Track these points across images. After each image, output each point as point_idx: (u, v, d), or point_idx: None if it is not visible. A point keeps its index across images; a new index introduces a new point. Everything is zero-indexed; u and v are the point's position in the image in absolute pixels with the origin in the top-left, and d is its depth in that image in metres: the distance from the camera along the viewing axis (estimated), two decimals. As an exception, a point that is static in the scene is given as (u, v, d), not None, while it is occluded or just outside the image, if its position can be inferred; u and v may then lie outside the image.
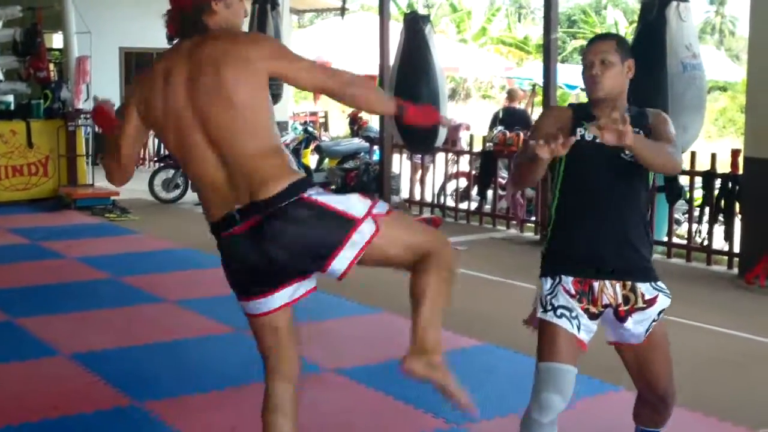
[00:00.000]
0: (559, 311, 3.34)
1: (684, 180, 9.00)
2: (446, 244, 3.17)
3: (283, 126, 12.76)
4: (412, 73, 10.16)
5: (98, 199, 12.01)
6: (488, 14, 34.51)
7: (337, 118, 24.93)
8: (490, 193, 11.22)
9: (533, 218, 10.32)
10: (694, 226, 9.08)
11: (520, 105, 13.95)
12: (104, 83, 18.25)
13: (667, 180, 8.80)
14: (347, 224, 2.98)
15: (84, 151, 12.90)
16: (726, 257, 8.52)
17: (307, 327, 6.30)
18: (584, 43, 35.91)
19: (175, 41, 3.16)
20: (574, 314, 3.33)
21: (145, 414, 4.69)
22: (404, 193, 12.41)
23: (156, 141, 16.39)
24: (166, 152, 14.19)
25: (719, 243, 8.78)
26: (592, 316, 3.37)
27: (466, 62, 22.20)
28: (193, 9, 3.09)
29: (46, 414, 4.66)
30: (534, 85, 19.69)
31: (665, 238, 9.17)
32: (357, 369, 5.42)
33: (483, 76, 30.46)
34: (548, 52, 9.82)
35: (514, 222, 10.53)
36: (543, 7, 9.91)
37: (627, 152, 3.24)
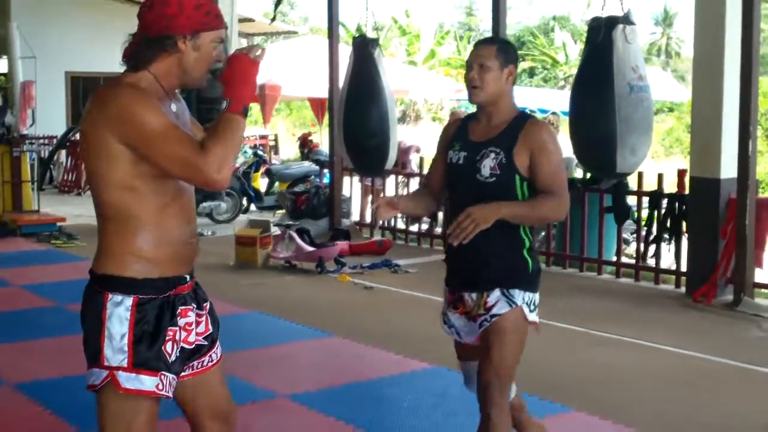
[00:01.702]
0: (444, 320, 3.77)
1: (632, 200, 9.08)
2: None
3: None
4: (361, 95, 10.15)
5: (44, 226, 11.84)
6: (437, 37, 34.73)
7: (288, 141, 24.90)
8: (440, 214, 11.24)
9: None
10: (642, 246, 9.15)
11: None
12: (50, 108, 18.09)
13: (615, 200, 8.87)
14: (94, 358, 2.82)
15: (29, 176, 12.72)
16: (674, 276, 8.59)
17: (260, 352, 6.28)
18: (533, 65, 36.26)
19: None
20: (450, 323, 3.72)
21: (91, 444, 4.60)
22: (355, 216, 12.39)
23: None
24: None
25: (667, 262, 8.86)
26: (470, 318, 3.63)
27: (416, 84, 22.29)
28: (152, 39, 2.77)
29: (-10, 446, 4.55)
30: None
31: (614, 258, 9.24)
32: (310, 394, 5.37)
33: (433, 98, 30.61)
34: (496, 74, 9.85)
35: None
36: (491, 29, 9.96)
37: (483, 173, 3.49)
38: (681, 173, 8.64)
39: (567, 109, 9.11)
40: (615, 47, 7.99)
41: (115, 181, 2.70)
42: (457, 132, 3.67)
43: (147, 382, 2.73)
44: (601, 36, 7.77)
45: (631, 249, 10.06)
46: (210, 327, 2.98)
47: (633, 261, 9.22)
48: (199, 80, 2.86)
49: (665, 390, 5.58)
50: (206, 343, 2.96)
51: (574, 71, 9.91)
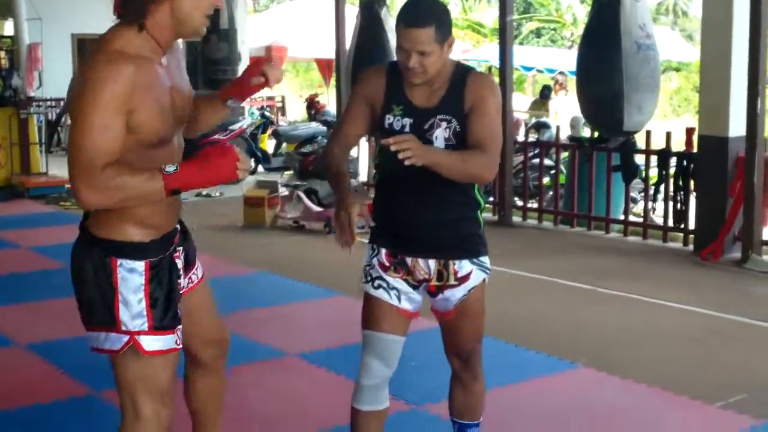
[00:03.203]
0: (376, 282, 3.29)
1: (639, 159, 9.06)
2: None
3: (239, 111, 12.68)
4: (368, 56, 10.12)
5: (52, 188, 11.87)
6: (443, -3, 34.50)
7: (295, 103, 24.84)
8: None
9: (491, 199, 10.35)
10: (650, 204, 9.16)
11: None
12: (57, 70, 18.05)
13: (623, 159, 8.86)
14: (110, 320, 2.79)
15: (37, 139, 12.74)
16: (681, 234, 8.59)
17: (269, 311, 6.32)
18: (540, 26, 35.88)
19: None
20: (391, 285, 3.27)
21: (103, 403, 4.63)
22: (362, 177, 12.39)
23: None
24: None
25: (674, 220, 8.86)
26: (413, 286, 3.30)
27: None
28: None
29: (2, 405, 4.59)
30: (490, 67, 19.74)
31: (622, 217, 9.24)
32: (319, 353, 5.41)
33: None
34: (504, 34, 9.84)
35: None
36: (498, -12, 9.91)
37: (436, 145, 3.14)
38: (689, 131, 8.61)
39: (574, 68, 9.09)
40: (622, 5, 7.96)
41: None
42: (391, 89, 3.22)
43: (168, 341, 2.77)
44: (609, -6, 7.75)
45: (639, 207, 10.05)
46: (182, 253, 2.93)
47: (641, 219, 9.22)
48: (197, 30, 2.74)
49: (673, 347, 5.61)
50: (188, 265, 2.98)
51: (581, 32, 9.86)
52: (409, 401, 4.55)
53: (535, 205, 10.30)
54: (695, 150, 8.40)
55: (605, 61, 8.10)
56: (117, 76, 2.54)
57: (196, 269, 3.06)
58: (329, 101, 19.43)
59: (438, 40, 3.05)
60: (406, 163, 2.87)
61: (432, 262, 3.27)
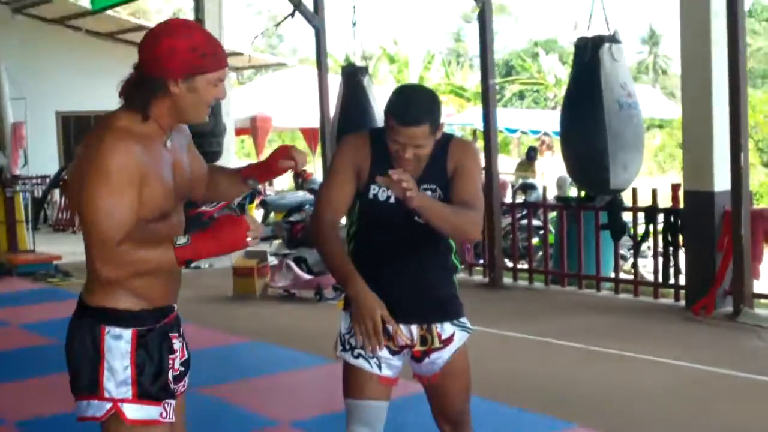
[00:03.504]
0: (356, 352, 3.26)
1: (627, 216, 9.10)
2: None
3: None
4: (353, 124, 10.18)
5: (40, 265, 11.82)
6: (425, 63, 34.87)
7: (281, 173, 24.86)
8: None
9: (481, 261, 10.36)
10: (640, 261, 9.17)
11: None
12: (41, 148, 18.14)
13: (610, 217, 8.89)
14: (91, 387, 2.76)
15: (23, 216, 12.70)
16: (672, 290, 8.60)
17: (262, 381, 6.27)
18: (522, 88, 36.23)
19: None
20: (370, 354, 3.22)
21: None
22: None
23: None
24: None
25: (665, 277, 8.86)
26: (393, 352, 3.27)
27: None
28: (144, 80, 2.69)
29: (-7, 486, 4.53)
30: (475, 130, 19.89)
31: (612, 275, 9.25)
32: (312, 420, 5.36)
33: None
34: (487, 97, 9.93)
35: (462, 266, 10.53)
36: (479, 55, 10.02)
37: None
38: (675, 187, 8.66)
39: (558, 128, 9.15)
40: (602, 65, 8.03)
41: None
42: (376, 160, 3.21)
43: (152, 412, 2.75)
44: (589, 55, 7.82)
45: (629, 265, 10.06)
46: (186, 353, 2.96)
47: (631, 276, 9.23)
48: (199, 118, 2.79)
49: (667, 403, 5.57)
50: (184, 368, 2.95)
51: (564, 92, 9.96)
52: (405, 467, 4.50)
53: (526, 266, 10.31)
54: (682, 206, 8.44)
55: (588, 120, 8.16)
56: (126, 151, 2.60)
57: (188, 375, 3.00)
58: (315, 170, 19.51)
59: (432, 132, 3.11)
60: (407, 195, 2.85)
61: (414, 328, 3.27)
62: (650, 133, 25.81)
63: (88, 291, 2.76)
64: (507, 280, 9.96)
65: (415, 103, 3.10)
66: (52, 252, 12.58)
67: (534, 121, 21.20)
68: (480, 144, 13.99)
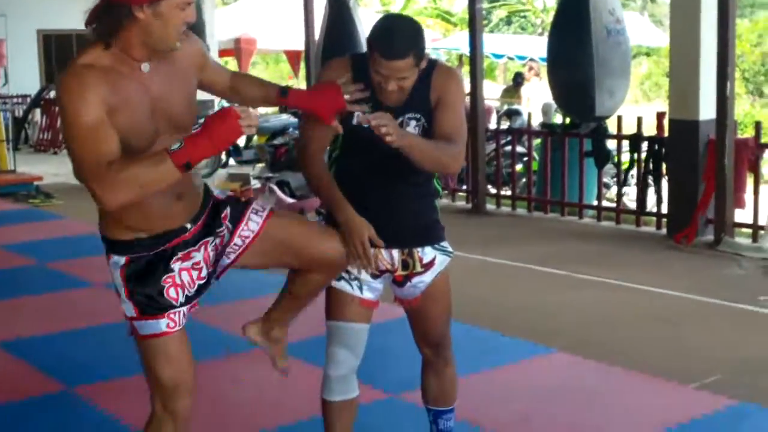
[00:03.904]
0: (345, 281, 3.28)
1: (611, 144, 9.08)
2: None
3: (210, 105, 12.62)
4: (338, 47, 10.08)
5: (21, 185, 11.75)
6: (412, -14, 34.46)
7: (265, 95, 24.69)
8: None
9: (464, 187, 10.35)
10: (624, 189, 9.19)
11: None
12: (22, 67, 17.91)
13: (595, 144, 8.88)
14: None
15: (4, 136, 12.59)
16: (654, 218, 8.63)
17: (243, 304, 6.27)
18: (509, 13, 35.82)
19: None
20: (352, 276, 3.25)
21: (77, 399, 4.61)
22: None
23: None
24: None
25: (648, 204, 8.89)
26: (374, 276, 3.28)
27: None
28: (110, 7, 2.65)
29: (-25, 404, 4.55)
30: (461, 56, 19.75)
31: (595, 202, 9.27)
32: (295, 344, 5.35)
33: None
34: (474, 22, 9.83)
35: (446, 191, 10.54)
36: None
37: None
38: (660, 116, 8.64)
39: (545, 55, 9.09)
40: (592, -9, 7.97)
41: None
42: (357, 81, 3.16)
43: (157, 326, 2.89)
44: (578, -21, 7.76)
45: (612, 193, 10.09)
46: (204, 269, 3.02)
47: (614, 204, 9.25)
48: (169, 47, 2.72)
49: (647, 329, 5.63)
50: (202, 282, 3.04)
51: (551, 18, 9.87)
52: (386, 390, 4.53)
53: (509, 193, 10.31)
54: (666, 134, 8.43)
55: (576, 47, 8.12)
56: (87, 87, 2.60)
57: (246, 223, 3.05)
58: (300, 93, 19.33)
59: (416, 64, 3.06)
60: (387, 140, 2.86)
61: (395, 252, 3.27)
62: (637, 61, 25.68)
63: (101, 224, 2.94)
64: (490, 206, 9.97)
65: (398, 37, 3.03)
66: (33, 172, 12.52)
67: (520, 47, 21.04)
68: (466, 69, 13.88)
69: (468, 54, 10.53)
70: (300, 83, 19.90)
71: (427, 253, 3.30)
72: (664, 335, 5.52)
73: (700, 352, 5.19)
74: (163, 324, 2.89)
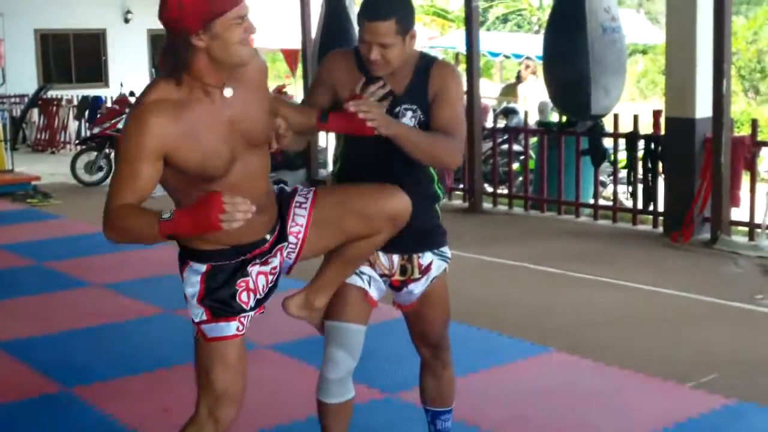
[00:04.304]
0: (356, 276, 3.26)
1: (608, 142, 9.09)
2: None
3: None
4: (335, 45, 10.05)
5: (19, 185, 11.75)
6: (409, -16, 34.44)
7: (262, 94, 24.65)
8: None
9: (461, 186, 10.36)
10: (620, 188, 9.20)
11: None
12: (20, 66, 17.88)
13: (591, 143, 8.89)
14: None
15: (1, 136, 12.59)
16: (651, 216, 8.64)
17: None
18: (505, 11, 35.88)
19: None
20: (361, 271, 3.25)
21: (75, 399, 4.61)
22: (331, 167, 12.35)
23: (77, 123, 16.09)
24: (88, 134, 13.94)
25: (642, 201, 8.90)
26: (380, 277, 3.31)
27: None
28: (169, 44, 2.73)
29: (-27, 405, 4.55)
30: (457, 54, 19.75)
31: (591, 201, 9.28)
32: (288, 344, 5.39)
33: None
34: (470, 20, 9.84)
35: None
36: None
37: None
38: (656, 114, 8.65)
39: (541, 53, 9.09)
40: (588, -11, 7.98)
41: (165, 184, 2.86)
42: (358, 78, 3.16)
43: (228, 328, 2.95)
44: (574, -22, 7.76)
45: (609, 191, 10.10)
46: (273, 279, 3.11)
47: (610, 203, 9.27)
48: (240, 61, 2.77)
49: (644, 328, 5.64)
50: (268, 292, 3.12)
51: (547, 17, 9.88)
52: (382, 389, 4.55)
53: (505, 191, 10.32)
54: (663, 132, 8.44)
55: (571, 45, 8.13)
56: (144, 129, 2.67)
57: (294, 219, 3.08)
58: (296, 92, 19.35)
59: (400, 33, 3.04)
60: (369, 125, 2.87)
61: (395, 257, 3.27)
62: (633, 59, 25.67)
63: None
64: (486, 205, 9.98)
65: (383, 0, 3.06)
66: (31, 172, 12.51)
67: (517, 45, 21.02)
68: (462, 67, 13.89)
69: (464, 52, 10.53)
70: (297, 82, 19.90)
71: (426, 257, 3.31)
72: (660, 334, 5.54)
73: (696, 351, 5.21)
74: (233, 327, 2.95)
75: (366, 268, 3.26)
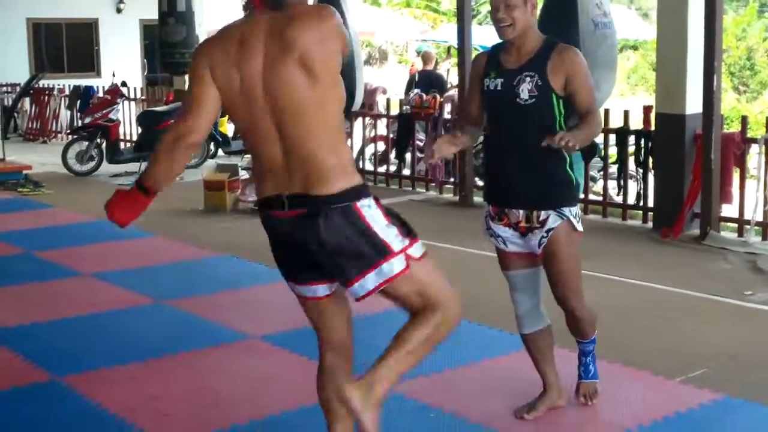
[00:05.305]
0: (488, 232, 4.09)
1: (598, 138, 9.10)
2: (457, 305, 3.12)
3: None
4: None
5: (10, 174, 11.72)
6: (401, -22, 34.41)
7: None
8: (408, 155, 11.26)
9: (452, 180, 10.38)
10: (610, 183, 9.22)
11: (438, 68, 14.05)
12: (12, 55, 17.83)
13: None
14: (381, 252, 2.94)
15: (-7, 125, 12.58)
16: (641, 212, 8.67)
17: (231, 295, 6.30)
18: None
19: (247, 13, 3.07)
20: (497, 233, 4.03)
21: (65, 388, 4.62)
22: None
23: (69, 113, 16.06)
24: (80, 124, 13.92)
25: (634, 198, 8.93)
26: (516, 229, 3.96)
27: (382, 26, 22.12)
28: None
29: (-38, 393, 4.55)
30: (449, 47, 19.74)
31: (582, 195, 9.30)
32: (282, 335, 5.41)
33: (398, 40, 30.39)
34: (462, 14, 9.84)
35: (434, 184, 10.57)
36: (456, -32, 9.90)
37: (522, 97, 3.80)
38: (647, 109, 8.67)
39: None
40: (580, -17, 7.97)
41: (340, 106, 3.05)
42: (489, 62, 3.95)
43: (421, 245, 3.08)
44: (566, -28, 7.74)
45: (599, 186, 10.12)
46: None
47: (600, 198, 9.29)
48: None
49: (633, 323, 5.66)
50: None
51: (539, 11, 9.88)
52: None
53: (496, 185, 10.31)
54: (653, 128, 8.47)
55: (562, 39, 8.11)
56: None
57: None
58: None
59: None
60: (570, 145, 3.55)
61: (521, 212, 3.91)
62: (624, 55, 25.69)
63: (319, 182, 2.92)
64: (477, 198, 9.99)
65: None
66: (23, 161, 12.49)
67: (509, 39, 21.04)
68: (454, 61, 13.89)
69: (456, 46, 10.53)
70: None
71: (544, 213, 3.88)
72: (649, 329, 5.56)
73: (685, 346, 5.23)
74: (421, 244, 3.06)
75: (499, 229, 3.99)
